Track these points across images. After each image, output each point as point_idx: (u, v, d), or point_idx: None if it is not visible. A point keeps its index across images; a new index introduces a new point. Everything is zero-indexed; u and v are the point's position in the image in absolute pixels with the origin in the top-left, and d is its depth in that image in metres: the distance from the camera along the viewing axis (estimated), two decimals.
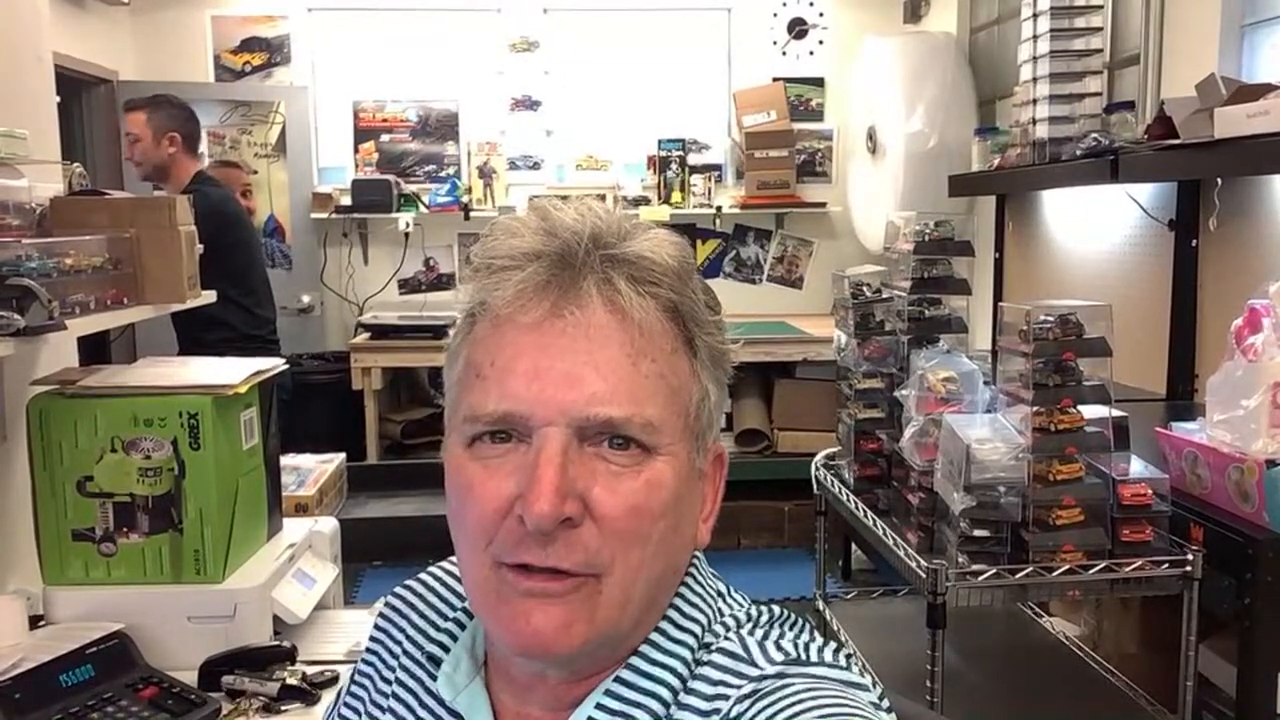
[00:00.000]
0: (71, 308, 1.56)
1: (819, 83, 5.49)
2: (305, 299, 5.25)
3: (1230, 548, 1.78)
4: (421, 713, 0.77)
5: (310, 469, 2.33)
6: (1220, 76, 2.41)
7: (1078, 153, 2.98)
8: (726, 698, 0.68)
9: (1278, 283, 1.87)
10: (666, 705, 0.69)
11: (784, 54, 5.47)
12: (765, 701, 0.66)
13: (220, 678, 1.44)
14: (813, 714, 0.64)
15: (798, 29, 5.46)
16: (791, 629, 0.75)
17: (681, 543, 0.72)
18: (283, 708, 1.41)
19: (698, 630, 0.73)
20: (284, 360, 1.81)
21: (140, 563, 1.51)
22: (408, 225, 5.24)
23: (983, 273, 3.97)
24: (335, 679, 1.47)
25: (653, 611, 0.72)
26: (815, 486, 2.65)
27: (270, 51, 5.28)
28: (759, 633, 0.73)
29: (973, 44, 4.66)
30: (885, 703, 0.70)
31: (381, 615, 0.85)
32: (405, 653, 0.81)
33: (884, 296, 2.42)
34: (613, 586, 0.67)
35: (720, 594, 0.77)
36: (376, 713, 0.81)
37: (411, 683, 0.79)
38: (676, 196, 5.33)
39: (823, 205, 5.41)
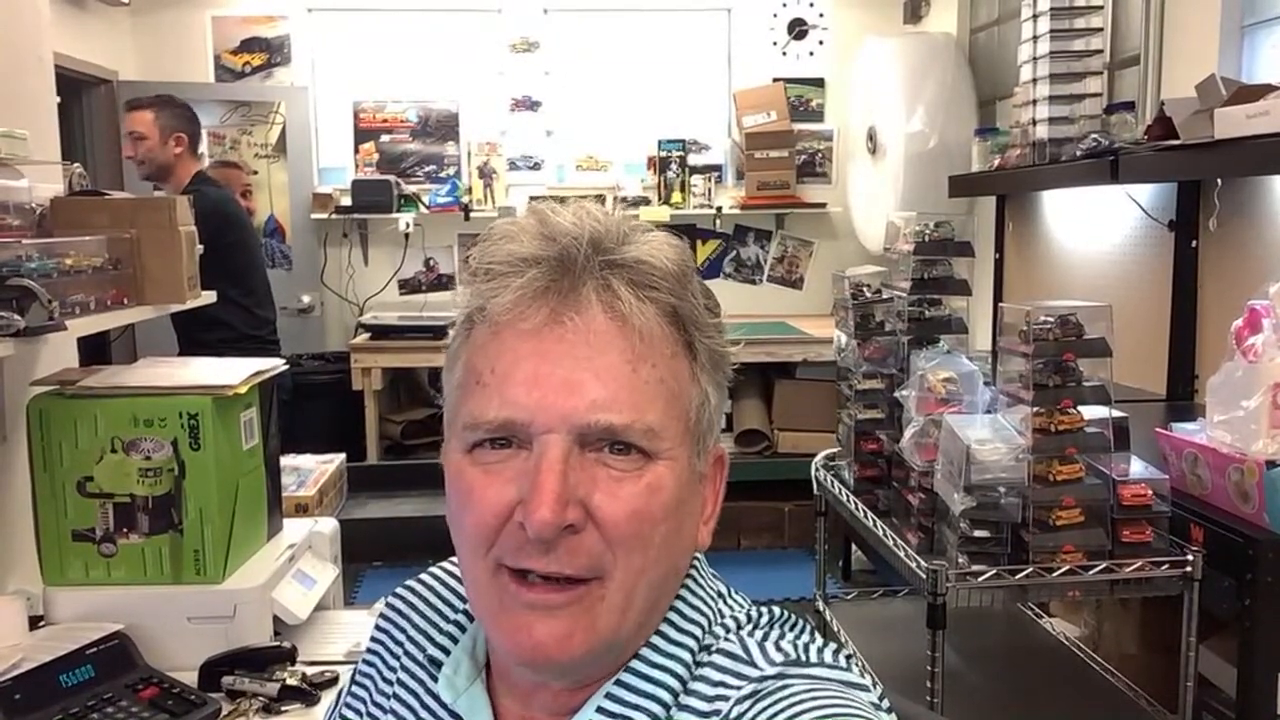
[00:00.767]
0: (71, 308, 1.56)
1: (819, 83, 5.50)
2: (305, 299, 5.25)
3: (1230, 548, 1.78)
4: (423, 714, 0.77)
5: (310, 469, 2.33)
6: (1220, 77, 2.42)
7: (1078, 153, 2.98)
8: (726, 699, 0.68)
9: (1278, 283, 1.87)
10: (667, 707, 0.69)
11: (784, 54, 5.47)
12: (765, 702, 0.66)
13: (220, 678, 1.44)
14: (813, 714, 0.64)
15: (798, 29, 5.46)
16: (791, 630, 0.75)
17: (682, 546, 0.72)
18: (283, 708, 1.41)
19: (698, 632, 0.73)
20: (284, 360, 1.81)
21: (140, 563, 1.51)
22: (408, 226, 5.24)
23: (983, 273, 3.97)
24: (335, 679, 1.47)
25: (654, 615, 0.72)
26: (815, 487, 2.65)
27: (270, 52, 5.28)
28: (759, 634, 0.73)
29: (973, 44, 4.66)
30: (885, 703, 0.70)
31: (382, 616, 0.84)
32: (406, 654, 0.81)
33: (884, 297, 2.42)
34: (614, 592, 0.67)
35: (721, 595, 0.77)
36: (378, 713, 0.81)
37: (413, 684, 0.79)
38: (677, 197, 5.33)
39: (823, 206, 5.41)
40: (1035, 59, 3.18)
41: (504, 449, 0.68)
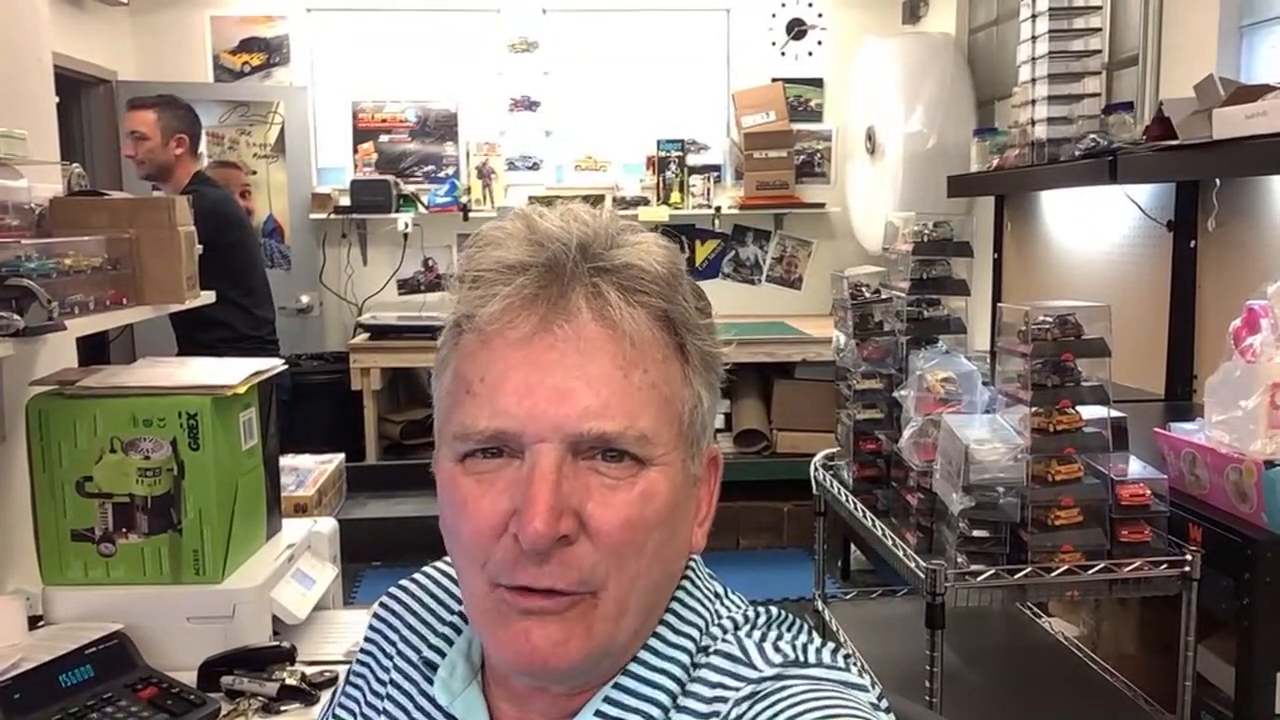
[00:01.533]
0: (71, 308, 1.56)
1: (818, 83, 5.50)
2: (304, 299, 5.25)
3: (1229, 548, 1.78)
4: (417, 715, 0.77)
5: (309, 469, 2.33)
6: (1219, 77, 2.42)
7: (1076, 153, 2.98)
8: (725, 700, 0.68)
9: (1276, 284, 1.87)
10: (665, 710, 0.69)
11: (783, 54, 5.47)
12: (764, 703, 0.66)
13: (219, 678, 1.44)
14: (812, 715, 0.64)
15: (797, 29, 5.46)
16: (790, 630, 0.75)
17: (677, 550, 0.72)
18: (282, 708, 1.41)
19: (695, 634, 0.72)
20: (283, 360, 1.81)
21: (139, 563, 1.51)
22: (407, 226, 5.24)
23: (981, 273, 3.98)
24: (334, 679, 1.47)
25: (650, 619, 0.71)
26: (814, 487, 2.65)
27: (269, 52, 5.28)
28: (757, 634, 0.73)
29: (971, 44, 4.67)
30: (884, 703, 0.69)
31: (376, 615, 0.84)
32: (400, 654, 0.81)
33: (883, 297, 2.42)
34: (608, 601, 0.67)
35: (718, 595, 0.77)
36: (371, 715, 0.80)
37: (407, 685, 0.79)
38: (675, 197, 5.33)
39: (822, 206, 5.41)
40: (1034, 59, 3.18)
41: (496, 458, 0.67)
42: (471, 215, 5.25)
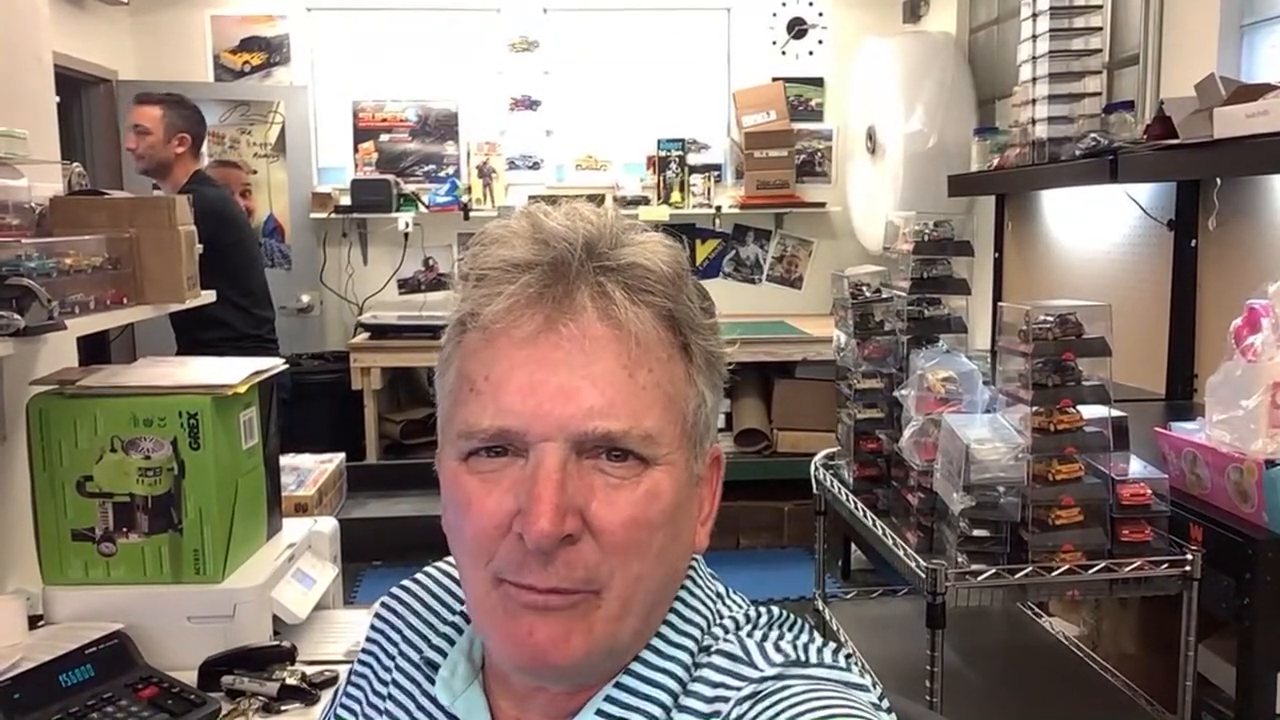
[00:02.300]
0: (71, 308, 1.56)
1: (818, 83, 5.49)
2: (304, 299, 5.25)
3: (1229, 548, 1.78)
4: (419, 715, 0.77)
5: (310, 469, 2.33)
6: (1219, 76, 2.41)
7: (1077, 153, 2.98)
8: (726, 699, 0.68)
9: (1277, 283, 1.87)
10: (667, 710, 0.69)
11: (783, 54, 5.47)
12: (765, 703, 0.66)
13: (220, 678, 1.44)
14: (812, 715, 0.64)
15: (797, 29, 5.46)
16: (791, 630, 0.75)
17: (680, 550, 0.72)
18: (282, 708, 1.41)
19: (697, 634, 0.72)
20: (283, 360, 1.81)
21: (140, 563, 1.51)
22: (407, 225, 5.24)
23: (982, 273, 3.97)
24: (335, 679, 1.47)
25: (652, 619, 0.71)
26: (815, 486, 2.65)
27: (269, 51, 5.28)
28: (758, 634, 0.73)
29: (972, 44, 4.67)
30: (885, 703, 0.69)
31: (378, 615, 0.84)
32: (402, 654, 0.81)
33: (883, 296, 2.42)
34: (611, 600, 0.67)
35: (720, 596, 0.77)
36: (373, 714, 0.80)
37: (408, 685, 0.79)
38: (676, 196, 5.33)
39: (822, 205, 5.41)
40: (1034, 58, 3.18)
41: (500, 457, 0.67)
42: (472, 215, 5.25)
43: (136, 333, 4.46)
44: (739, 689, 0.68)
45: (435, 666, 0.77)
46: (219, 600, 1.51)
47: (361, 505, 2.58)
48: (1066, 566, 1.84)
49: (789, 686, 0.67)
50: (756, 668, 0.69)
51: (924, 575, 1.87)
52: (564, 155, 5.43)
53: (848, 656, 0.71)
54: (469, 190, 5.34)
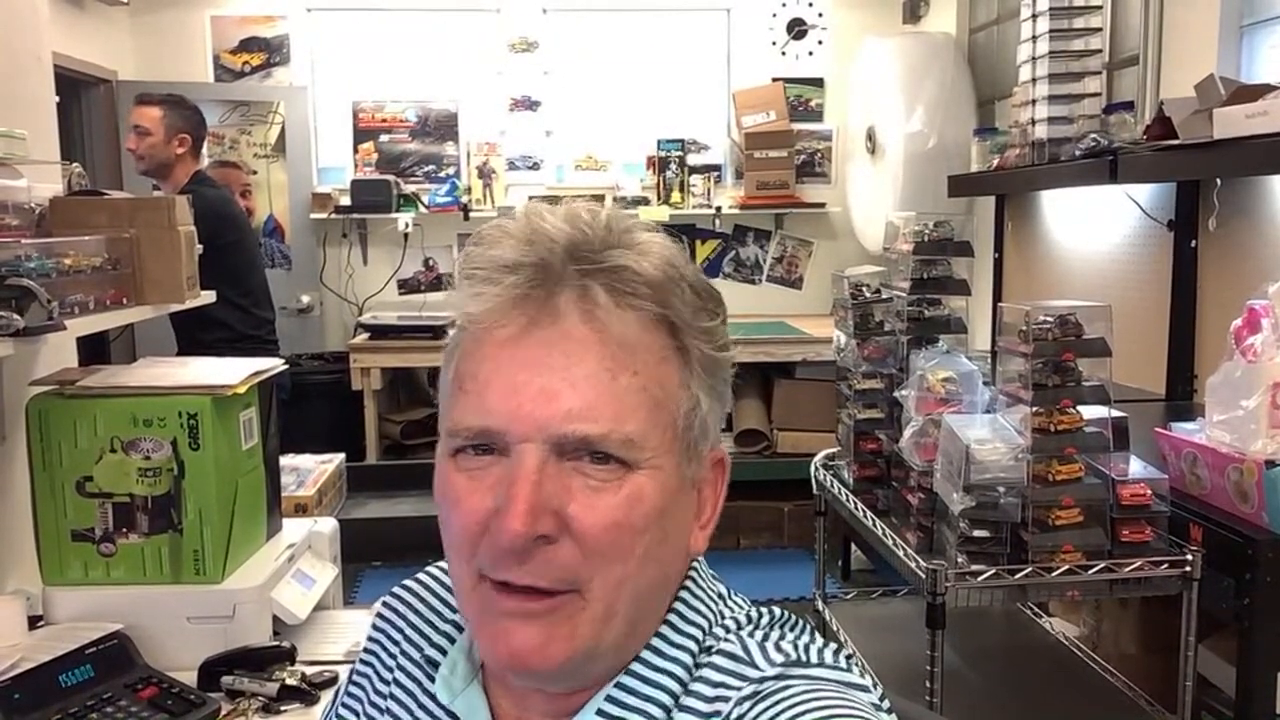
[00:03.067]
0: (71, 308, 1.56)
1: (818, 83, 5.50)
2: (304, 299, 5.25)
3: (1229, 548, 1.78)
4: (420, 714, 0.77)
5: (310, 469, 2.33)
6: (1219, 77, 2.42)
7: (1077, 153, 2.98)
8: (727, 699, 0.68)
9: (1277, 283, 1.87)
10: (667, 710, 0.69)
11: (783, 54, 5.47)
12: (766, 703, 0.66)
13: (220, 678, 1.44)
14: (813, 715, 0.64)
15: (797, 29, 5.46)
16: (791, 630, 0.75)
17: (673, 553, 0.72)
18: (282, 708, 1.41)
19: (698, 634, 0.72)
20: (283, 360, 1.81)
21: (140, 563, 1.51)
22: (407, 225, 5.24)
23: (982, 273, 3.97)
24: (335, 679, 1.47)
25: (646, 621, 0.71)
26: (815, 487, 2.65)
27: (269, 51, 5.28)
28: (759, 634, 0.73)
29: (972, 44, 4.67)
30: (885, 703, 0.69)
31: (379, 615, 0.84)
32: (403, 653, 0.81)
33: (883, 297, 2.42)
34: (594, 603, 0.67)
35: (721, 597, 0.77)
36: (374, 714, 0.81)
37: (409, 684, 0.79)
38: (676, 197, 5.33)
39: (822, 205, 5.41)
40: (1034, 59, 3.18)
41: (486, 455, 0.68)
42: (472, 215, 5.25)
43: (136, 333, 4.46)
44: (740, 689, 0.68)
45: (436, 665, 0.77)
46: (219, 600, 1.51)
47: (361, 506, 2.58)
48: (1066, 567, 1.84)
49: (790, 686, 0.67)
50: (757, 667, 0.69)
51: (924, 576, 1.87)
52: (564, 156, 5.43)
53: (848, 657, 0.71)
54: (469, 191, 5.34)
